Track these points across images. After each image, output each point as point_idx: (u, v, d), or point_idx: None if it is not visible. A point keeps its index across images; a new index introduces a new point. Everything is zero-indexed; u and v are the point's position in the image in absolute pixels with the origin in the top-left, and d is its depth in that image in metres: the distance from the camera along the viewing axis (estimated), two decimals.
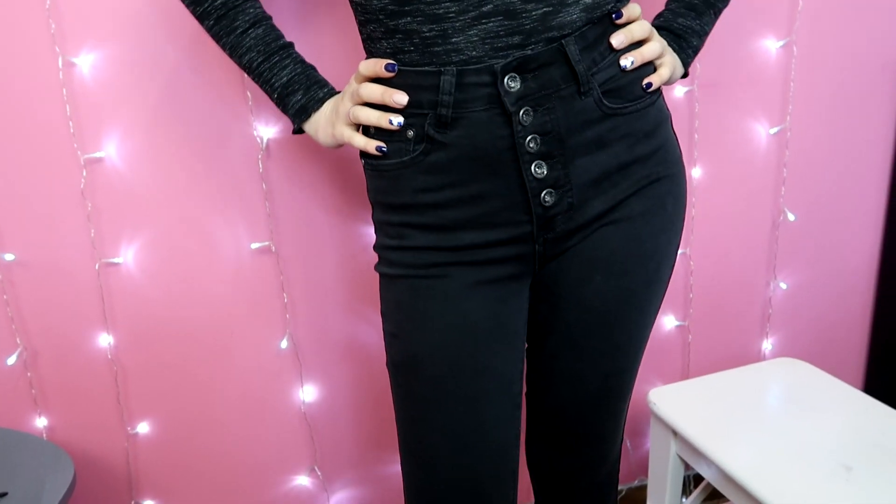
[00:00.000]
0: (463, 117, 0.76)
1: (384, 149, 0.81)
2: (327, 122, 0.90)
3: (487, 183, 0.79)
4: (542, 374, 0.95)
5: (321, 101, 0.91)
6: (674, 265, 0.95)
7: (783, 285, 1.57)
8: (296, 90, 0.91)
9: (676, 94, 1.38)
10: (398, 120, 0.79)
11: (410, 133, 0.79)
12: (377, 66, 0.80)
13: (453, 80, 0.75)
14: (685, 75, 0.97)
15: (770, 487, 0.99)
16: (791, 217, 1.51)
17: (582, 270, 0.86)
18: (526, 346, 0.95)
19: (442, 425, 0.84)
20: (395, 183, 0.82)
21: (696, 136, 1.41)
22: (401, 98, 0.78)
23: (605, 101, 0.79)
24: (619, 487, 1.64)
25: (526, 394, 0.99)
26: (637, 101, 0.83)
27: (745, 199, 1.49)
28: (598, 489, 1.04)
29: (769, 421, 1.15)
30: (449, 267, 0.82)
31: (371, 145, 0.83)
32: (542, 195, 0.79)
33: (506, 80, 0.75)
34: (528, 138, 0.76)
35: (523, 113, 0.76)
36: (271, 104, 1.20)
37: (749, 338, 1.61)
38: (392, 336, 0.88)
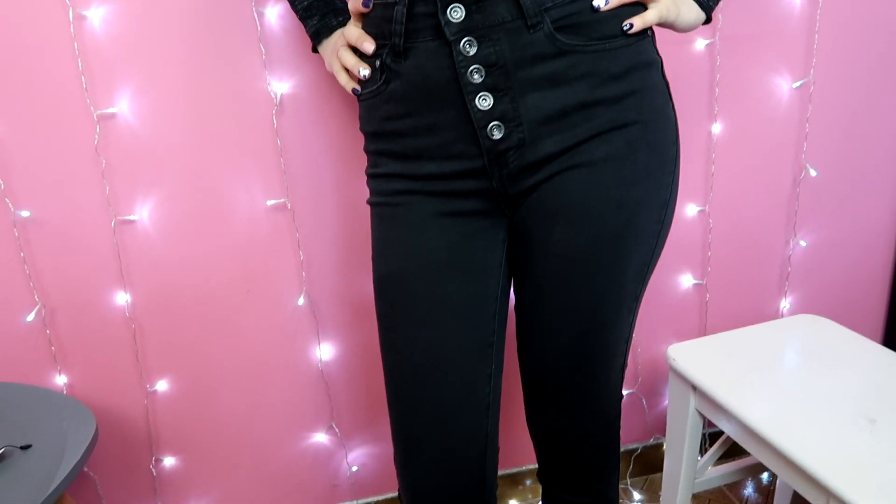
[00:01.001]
0: (414, 47, 0.79)
1: (358, 91, 0.88)
2: (332, 51, 0.94)
3: (440, 113, 0.80)
4: (523, 328, 0.94)
5: (332, 30, 0.95)
6: (663, 222, 0.88)
7: (803, 243, 1.55)
8: (313, 14, 0.96)
9: (697, 46, 1.35)
10: (366, 71, 0.85)
11: (377, 63, 0.83)
12: (356, 2, 0.84)
13: (404, 10, 0.77)
14: (708, 21, 0.93)
15: (792, 439, 0.98)
16: (813, 173, 1.48)
17: (545, 219, 0.84)
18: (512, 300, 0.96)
19: (401, 349, 0.88)
20: (368, 111, 0.88)
21: (716, 90, 1.38)
22: (368, 46, 0.83)
23: (559, 37, 0.77)
24: (635, 446, 1.65)
25: (517, 349, 0.99)
26: (605, 40, 0.78)
27: (765, 155, 1.46)
28: (595, 452, 0.98)
29: (790, 375, 1.14)
30: (413, 195, 0.86)
31: (349, 86, 0.90)
32: (489, 128, 0.79)
33: (448, 10, 0.75)
34: (472, 69, 0.77)
35: (465, 43, 0.76)
36: (285, 59, 1.18)
37: (767, 296, 1.59)
38: (371, 261, 0.93)
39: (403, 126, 0.83)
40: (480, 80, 0.77)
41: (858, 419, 1.01)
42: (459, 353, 0.87)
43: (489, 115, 0.78)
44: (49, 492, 0.90)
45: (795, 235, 1.54)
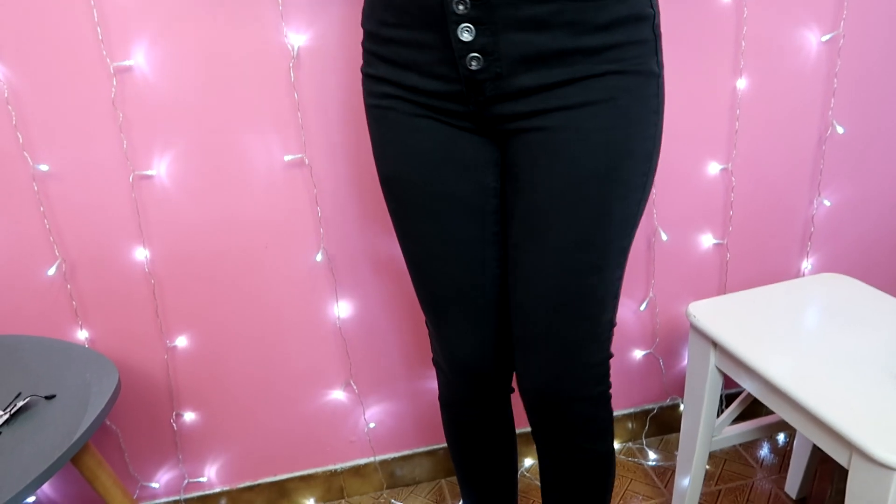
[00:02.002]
0: None
1: None
2: None
3: (427, 33, 0.81)
4: (511, 271, 0.94)
5: None
6: (648, 174, 0.87)
7: (827, 202, 1.52)
8: None
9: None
10: None
11: None
12: None
13: None
14: None
15: (815, 394, 0.98)
16: (840, 130, 1.45)
17: (530, 157, 0.85)
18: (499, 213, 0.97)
19: (414, 238, 0.96)
20: (370, 10, 0.88)
21: (742, 43, 1.34)
22: None
23: None
24: (651, 406, 1.65)
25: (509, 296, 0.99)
26: None
27: (791, 112, 1.43)
28: (585, 410, 0.95)
29: (813, 332, 1.13)
30: (400, 101, 0.88)
31: None
32: (468, 58, 0.80)
33: None
34: (457, 0, 0.77)
35: None
36: (302, 10, 1.16)
37: (789, 257, 1.57)
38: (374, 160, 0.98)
39: (396, 35, 0.85)
40: (464, 11, 0.77)
41: (883, 375, 1.00)
42: (467, 238, 0.93)
43: (469, 46, 0.79)
44: (74, 439, 0.91)
45: (819, 195, 1.52)
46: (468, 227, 0.93)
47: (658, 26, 0.85)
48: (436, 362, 1.10)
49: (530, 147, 0.85)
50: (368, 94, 0.93)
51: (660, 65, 0.85)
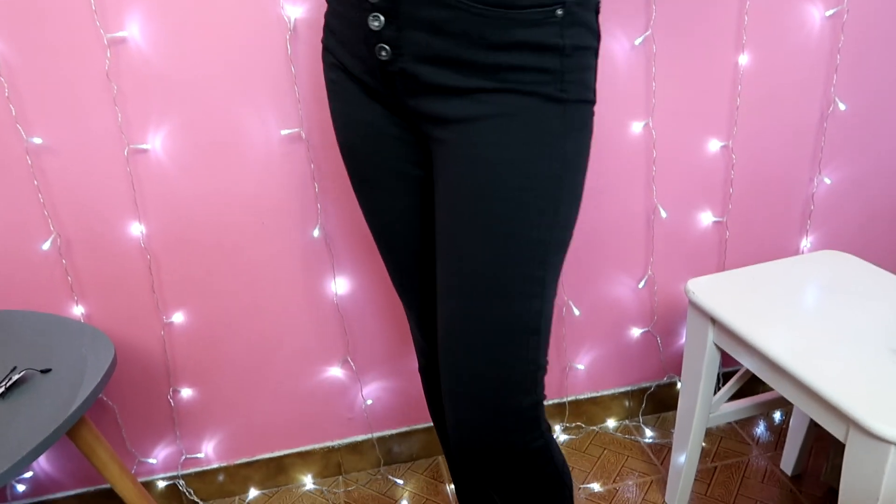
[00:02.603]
0: None
1: None
2: None
3: (354, 15, 0.81)
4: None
5: None
6: (557, 197, 0.80)
7: (827, 180, 1.52)
8: None
9: None
10: None
11: None
12: None
13: None
14: None
15: (813, 370, 0.97)
16: (842, 107, 1.44)
17: (437, 169, 0.84)
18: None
19: (366, 211, 0.98)
20: None
21: (745, 18, 1.33)
22: None
23: None
24: (648, 384, 1.66)
25: None
26: (491, 6, 0.74)
27: (793, 88, 1.42)
28: (511, 465, 0.83)
29: (812, 308, 1.12)
30: (342, 72, 0.89)
31: None
32: (377, 47, 0.79)
33: None
34: None
35: None
36: None
37: (788, 235, 1.57)
38: None
39: (338, 9, 0.85)
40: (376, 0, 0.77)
41: (881, 350, 1.00)
42: (407, 207, 0.94)
43: (378, 35, 0.79)
44: (70, 412, 0.90)
45: (820, 172, 1.51)
46: (408, 198, 0.93)
47: (588, 57, 0.80)
48: (411, 329, 1.10)
49: (437, 159, 0.84)
50: (324, 64, 0.93)
51: (575, 93, 0.79)
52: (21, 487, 1.44)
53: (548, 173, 0.79)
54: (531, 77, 0.77)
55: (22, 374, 0.98)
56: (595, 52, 0.82)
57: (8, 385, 0.96)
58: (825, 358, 1.00)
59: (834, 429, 0.96)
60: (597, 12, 0.81)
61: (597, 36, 0.82)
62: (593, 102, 0.83)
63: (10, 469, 0.82)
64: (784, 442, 1.56)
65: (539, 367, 0.83)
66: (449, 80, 0.78)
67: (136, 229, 1.25)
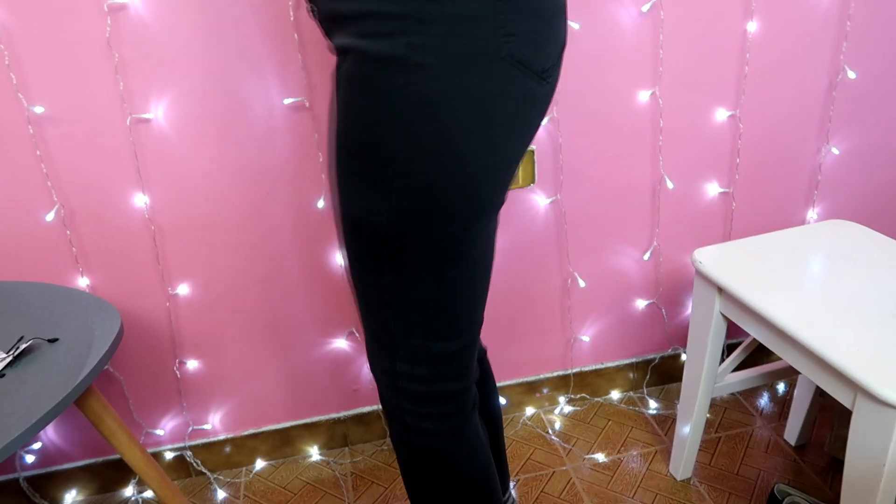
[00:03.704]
0: None
1: None
2: None
3: None
4: None
5: None
6: (341, 166, 0.75)
7: (835, 150, 1.50)
8: None
9: None
10: None
11: None
12: None
13: None
14: None
15: (820, 336, 0.97)
16: (851, 75, 1.42)
17: None
18: None
19: None
20: None
21: None
22: None
23: None
24: (653, 356, 1.66)
25: None
26: None
27: (801, 56, 1.40)
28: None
29: (819, 277, 1.12)
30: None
31: None
32: None
33: None
34: None
35: None
36: None
37: (794, 205, 1.56)
38: None
39: None
40: None
41: (889, 318, 1.00)
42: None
43: None
44: (78, 380, 0.90)
45: (828, 142, 1.49)
46: None
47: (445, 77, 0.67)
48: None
49: None
50: None
51: (432, 49, 0.65)
52: (30, 458, 1.45)
53: (339, 142, 0.77)
54: (378, 27, 0.69)
55: (29, 343, 0.98)
56: None
57: (16, 354, 0.96)
58: (833, 326, 1.00)
59: (841, 396, 0.96)
60: None
61: None
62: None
63: (20, 436, 0.82)
64: (788, 413, 1.57)
65: (392, 368, 0.84)
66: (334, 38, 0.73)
67: (140, 200, 1.25)
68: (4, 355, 0.96)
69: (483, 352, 1.08)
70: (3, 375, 0.93)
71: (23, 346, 0.97)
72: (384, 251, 0.76)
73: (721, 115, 1.42)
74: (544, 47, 0.71)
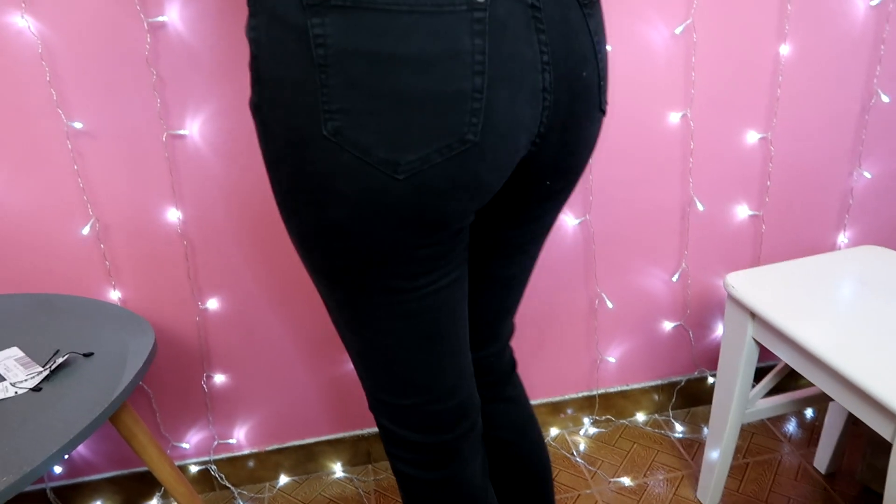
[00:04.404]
0: None
1: None
2: None
3: None
4: None
5: None
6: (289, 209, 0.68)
7: (867, 174, 1.49)
8: None
9: None
10: None
11: None
12: None
13: None
14: None
15: (859, 366, 0.96)
16: (885, 99, 1.41)
17: None
18: None
19: None
20: None
21: (788, 7, 1.30)
22: None
23: None
24: (679, 378, 1.64)
25: None
26: None
27: (835, 79, 1.39)
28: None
29: (854, 303, 1.10)
30: None
31: None
32: None
33: None
34: None
35: None
36: None
37: (825, 229, 1.54)
38: None
39: None
40: None
41: None
42: None
43: None
44: (115, 395, 0.91)
45: (860, 166, 1.48)
46: None
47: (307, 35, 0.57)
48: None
49: None
50: None
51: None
52: (58, 469, 1.46)
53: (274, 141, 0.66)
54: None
55: (66, 357, 0.99)
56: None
57: (52, 368, 0.97)
58: (870, 354, 0.98)
59: (880, 427, 0.94)
60: None
61: None
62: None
63: (57, 452, 0.83)
64: (817, 439, 1.54)
65: (377, 397, 0.79)
66: None
67: (174, 215, 1.26)
68: (41, 369, 0.97)
69: (520, 402, 1.00)
70: (41, 389, 0.94)
71: (59, 361, 0.98)
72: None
73: (752, 137, 1.41)
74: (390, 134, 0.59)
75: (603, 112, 0.75)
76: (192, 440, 1.48)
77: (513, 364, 1.01)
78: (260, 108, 0.63)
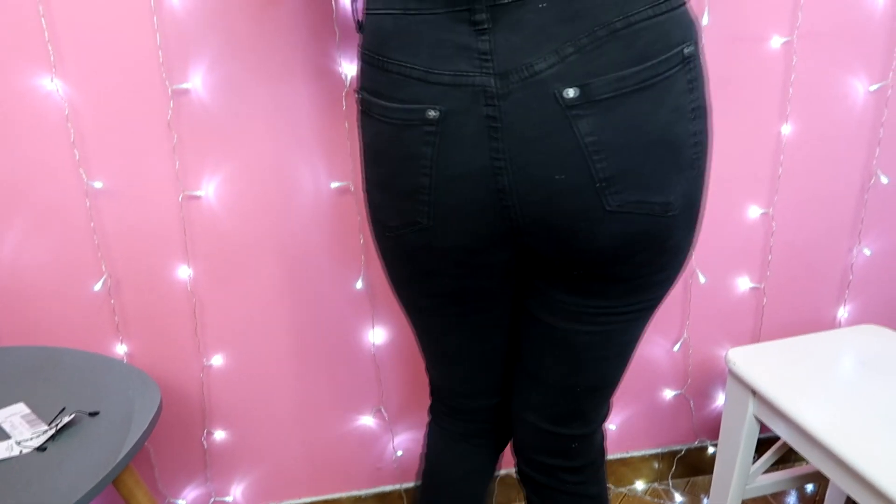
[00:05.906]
0: None
1: None
2: None
3: None
4: None
5: None
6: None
7: (867, 251, 1.51)
8: None
9: (773, 45, 1.31)
10: None
11: None
12: None
13: None
14: None
15: (853, 447, 0.96)
16: (884, 180, 1.44)
17: None
18: None
19: None
20: None
21: (790, 90, 1.35)
22: None
23: None
24: (679, 447, 1.64)
25: None
26: None
27: (835, 159, 1.42)
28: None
29: (855, 384, 1.11)
30: None
31: None
32: None
33: None
34: None
35: None
36: (357, 42, 1.18)
37: (825, 304, 1.56)
38: None
39: None
40: None
41: None
42: None
43: None
44: (119, 458, 0.92)
45: (860, 243, 1.51)
46: None
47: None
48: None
49: None
50: None
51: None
52: None
53: None
54: None
55: (72, 416, 1.00)
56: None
57: (58, 427, 0.97)
58: (870, 437, 0.99)
59: None
60: None
61: None
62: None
63: None
64: None
65: None
66: None
67: (184, 272, 1.28)
68: (46, 427, 0.98)
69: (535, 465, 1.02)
70: (45, 449, 0.94)
71: (65, 420, 0.99)
72: None
73: (754, 212, 1.44)
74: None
75: (609, 211, 0.74)
76: (188, 496, 1.47)
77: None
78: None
